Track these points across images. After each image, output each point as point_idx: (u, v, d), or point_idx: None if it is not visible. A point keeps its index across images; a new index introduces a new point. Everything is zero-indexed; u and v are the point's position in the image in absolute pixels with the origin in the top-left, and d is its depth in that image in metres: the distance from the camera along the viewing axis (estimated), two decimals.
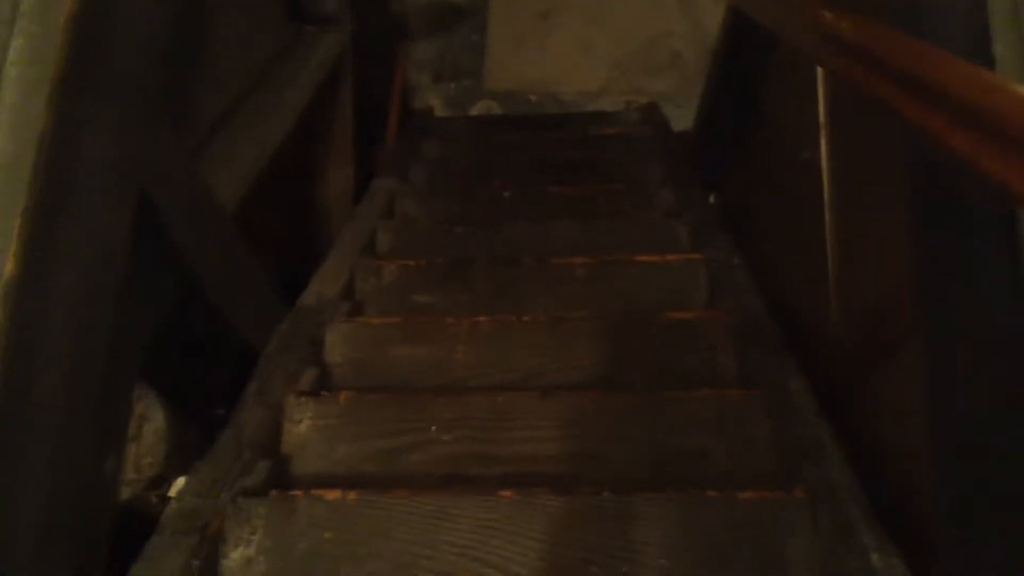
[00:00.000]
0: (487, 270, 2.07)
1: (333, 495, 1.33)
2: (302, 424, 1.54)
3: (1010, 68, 0.87)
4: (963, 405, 1.06)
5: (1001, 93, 0.68)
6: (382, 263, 2.12)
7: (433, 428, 1.52)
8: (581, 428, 1.52)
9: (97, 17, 1.04)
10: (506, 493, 1.33)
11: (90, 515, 1.25)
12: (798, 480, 1.33)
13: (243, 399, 1.61)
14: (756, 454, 1.47)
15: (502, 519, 1.31)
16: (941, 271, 1.09)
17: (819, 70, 1.82)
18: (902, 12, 1.11)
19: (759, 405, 1.51)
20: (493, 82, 4.30)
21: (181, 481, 1.39)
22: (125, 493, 1.36)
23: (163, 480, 1.41)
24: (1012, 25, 0.87)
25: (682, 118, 3.70)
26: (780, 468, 1.43)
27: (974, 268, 1.01)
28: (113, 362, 1.24)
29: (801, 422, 1.46)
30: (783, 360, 1.65)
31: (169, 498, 1.37)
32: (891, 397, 1.48)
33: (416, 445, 1.52)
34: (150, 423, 1.41)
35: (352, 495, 1.34)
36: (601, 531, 1.29)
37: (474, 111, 4.25)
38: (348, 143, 2.76)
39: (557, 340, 1.77)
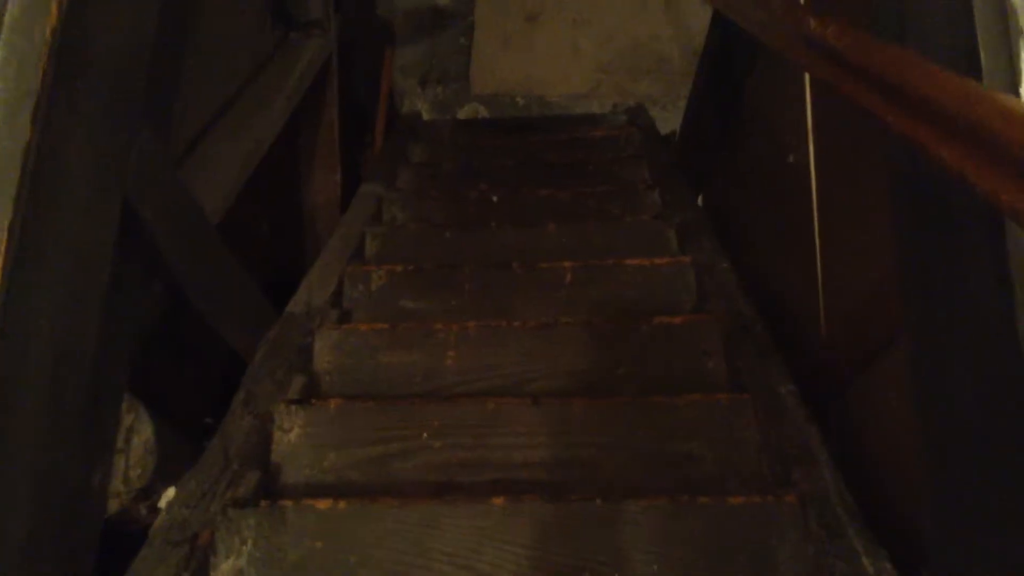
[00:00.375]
0: (476, 275, 2.07)
1: (323, 504, 1.33)
2: (292, 433, 1.54)
3: (997, 78, 0.88)
4: (951, 405, 1.07)
5: (988, 105, 0.68)
6: (371, 269, 2.12)
7: (424, 435, 1.52)
8: (572, 434, 1.52)
9: (80, 29, 1.03)
10: (497, 500, 1.33)
11: (77, 528, 1.24)
12: (788, 485, 1.34)
13: (231, 408, 1.60)
14: (746, 459, 1.48)
15: (493, 527, 1.31)
16: (928, 271, 1.10)
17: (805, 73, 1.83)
18: (887, 20, 1.12)
19: (749, 410, 1.51)
20: (480, 85, 4.30)
21: (171, 492, 1.39)
22: (113, 505, 1.35)
23: (152, 491, 1.40)
24: (999, 35, 0.88)
25: (668, 120, 3.72)
26: (770, 473, 1.43)
27: (961, 268, 1.01)
28: (99, 373, 1.23)
29: (791, 426, 1.47)
30: (772, 364, 1.66)
31: (158, 510, 1.36)
32: (879, 399, 1.49)
33: (407, 452, 1.52)
34: (138, 435, 1.40)
35: (343, 504, 1.33)
36: (592, 538, 1.29)
37: (461, 114, 4.25)
38: (335, 148, 2.76)
39: (547, 345, 1.77)
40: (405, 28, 4.34)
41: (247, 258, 1.84)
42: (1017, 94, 0.88)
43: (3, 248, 0.90)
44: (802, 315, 1.83)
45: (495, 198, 2.64)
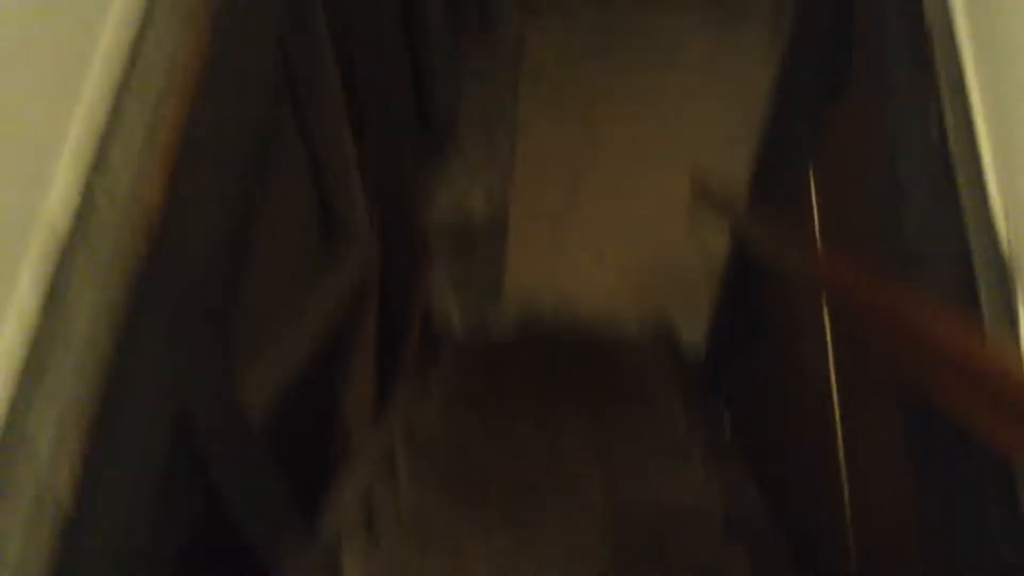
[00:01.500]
0: (504, 497, 2.08)
1: None
2: None
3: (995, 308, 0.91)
4: None
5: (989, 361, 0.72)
6: (400, 484, 2.14)
7: None
8: None
9: (163, 243, 1.13)
10: None
11: None
12: None
13: None
14: None
15: None
16: (945, 513, 1.10)
17: None
18: (892, 257, 1.18)
19: None
20: (512, 297, 4.46)
21: None
22: None
23: None
24: (997, 274, 0.92)
25: (692, 334, 3.79)
26: None
27: (977, 513, 1.02)
28: None
29: None
30: None
31: None
32: None
33: None
34: None
35: None
36: None
37: (493, 327, 4.35)
38: (370, 360, 2.78)
39: None
40: (441, 242, 4.53)
41: (280, 466, 1.86)
42: (1015, 330, 0.92)
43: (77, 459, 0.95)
44: (828, 535, 1.80)
45: (521, 419, 2.67)
